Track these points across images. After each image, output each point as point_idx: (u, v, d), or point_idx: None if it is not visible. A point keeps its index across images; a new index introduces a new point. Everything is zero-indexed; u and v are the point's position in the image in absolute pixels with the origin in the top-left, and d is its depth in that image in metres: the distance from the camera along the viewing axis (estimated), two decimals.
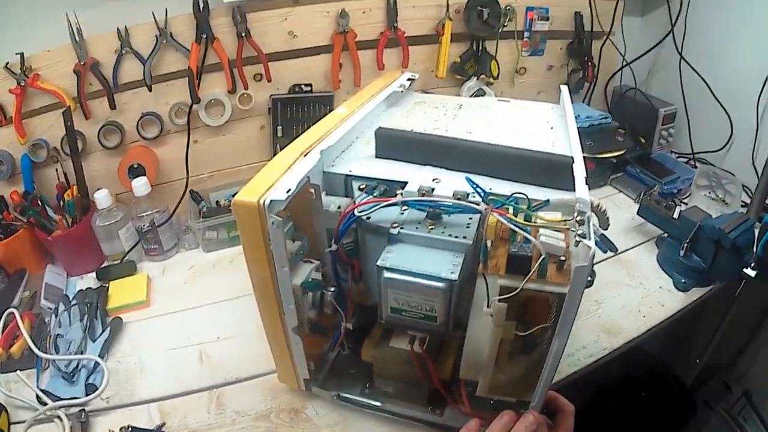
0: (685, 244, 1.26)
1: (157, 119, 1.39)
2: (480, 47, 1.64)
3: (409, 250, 0.70)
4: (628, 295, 1.26)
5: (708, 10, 1.73)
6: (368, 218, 0.72)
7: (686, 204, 1.57)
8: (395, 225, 0.71)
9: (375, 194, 0.77)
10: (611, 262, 1.38)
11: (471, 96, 1.66)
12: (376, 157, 0.87)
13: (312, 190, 0.78)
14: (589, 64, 1.82)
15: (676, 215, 1.32)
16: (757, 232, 1.17)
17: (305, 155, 0.79)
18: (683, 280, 1.29)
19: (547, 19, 1.71)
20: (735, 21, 1.69)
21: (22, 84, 1.23)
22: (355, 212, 0.71)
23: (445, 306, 0.67)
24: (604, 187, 1.72)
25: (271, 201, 0.67)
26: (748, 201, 1.58)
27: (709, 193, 1.54)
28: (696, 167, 1.77)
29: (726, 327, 1.58)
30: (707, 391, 1.84)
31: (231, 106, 1.43)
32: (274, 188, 0.70)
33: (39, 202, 1.29)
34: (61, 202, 1.31)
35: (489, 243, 0.67)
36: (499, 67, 1.69)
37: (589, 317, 1.19)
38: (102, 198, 1.29)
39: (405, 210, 0.74)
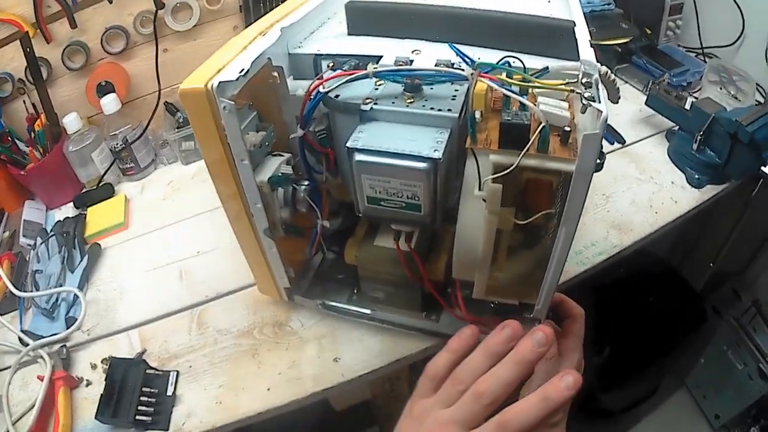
0: (699, 137, 1.17)
1: (122, 32, 1.30)
2: None
3: (384, 129, 0.60)
4: (639, 190, 1.18)
5: None
6: (337, 96, 0.63)
7: (697, 98, 1.47)
8: (368, 101, 0.61)
9: (344, 68, 0.66)
10: (619, 155, 1.30)
11: None
12: (349, 34, 0.77)
13: (275, 74, 0.68)
14: None
15: (687, 106, 1.22)
16: None
17: (264, 35, 0.69)
18: (697, 176, 1.20)
19: None
20: None
21: None
22: (320, 89, 0.61)
23: (430, 191, 0.58)
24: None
25: (219, 83, 0.58)
26: (761, 100, 1.48)
27: (721, 89, 1.45)
28: (706, 62, 1.67)
29: (739, 231, 1.53)
30: (716, 299, 1.80)
31: (199, 7, 1.33)
32: (225, 70, 0.61)
33: (9, 138, 1.22)
34: (32, 134, 1.25)
35: (477, 114, 0.57)
36: None
37: (597, 212, 1.11)
38: (71, 122, 1.22)
39: (380, 84, 0.64)
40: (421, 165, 0.56)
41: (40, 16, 1.20)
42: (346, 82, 0.61)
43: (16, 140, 1.23)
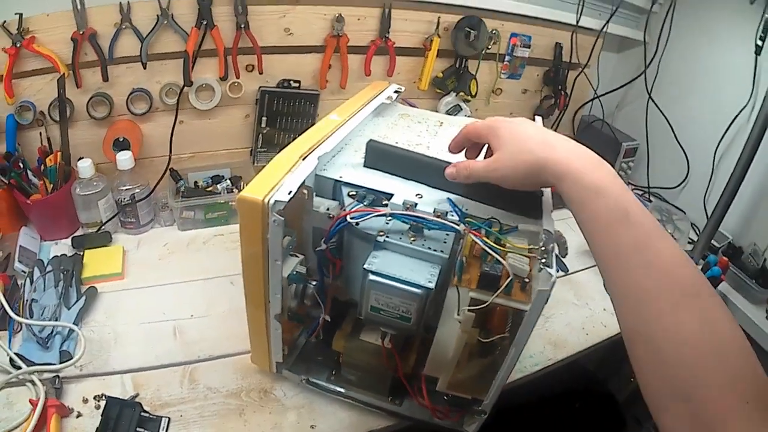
0: None
1: (147, 96, 1.41)
2: (462, 65, 1.72)
3: (392, 257, 0.78)
4: (574, 314, 1.37)
5: (681, 58, 1.86)
6: (357, 224, 0.80)
7: None
8: (381, 233, 0.79)
9: (365, 203, 0.84)
10: (561, 282, 1.47)
11: (448, 110, 1.75)
12: (364, 166, 0.94)
13: (305, 191, 0.85)
14: (562, 92, 1.92)
15: None
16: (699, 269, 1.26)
17: (304, 158, 0.85)
18: None
19: (529, 46, 1.80)
20: (704, 74, 1.82)
21: (18, 45, 1.22)
22: (348, 218, 0.79)
23: (419, 310, 0.76)
24: (563, 210, 1.78)
25: (275, 201, 0.74)
26: (695, 239, 1.69)
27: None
28: (651, 201, 1.89)
29: None
30: (637, 409, 1.92)
31: (221, 92, 1.47)
32: (276, 189, 0.76)
33: (20, 165, 1.30)
34: (42, 167, 1.32)
35: (464, 260, 0.76)
36: (477, 86, 1.77)
37: (537, 330, 1.23)
38: (85, 168, 1.31)
39: (390, 220, 0.81)
40: (418, 291, 0.75)
41: (77, 61, 1.28)
42: (370, 217, 0.79)
43: (27, 169, 1.31)
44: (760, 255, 1.65)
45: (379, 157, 0.92)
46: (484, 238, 0.74)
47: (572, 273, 1.51)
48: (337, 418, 1.00)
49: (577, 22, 1.82)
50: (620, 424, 1.81)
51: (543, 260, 0.72)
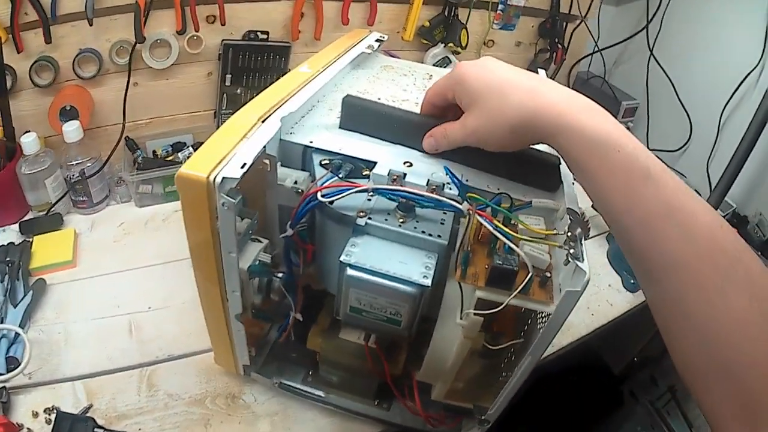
0: None
1: (96, 57, 1.26)
2: (452, 14, 1.58)
3: (376, 245, 0.62)
4: None
5: (686, 13, 1.74)
6: (331, 203, 0.64)
7: None
8: (362, 214, 0.63)
9: (340, 174, 0.68)
10: None
11: (435, 63, 1.62)
12: (340, 127, 0.78)
13: (267, 162, 0.69)
14: (559, 46, 1.79)
15: None
16: None
17: (263, 121, 0.69)
18: (632, 281, 1.29)
19: None
20: (711, 30, 1.71)
21: None
22: (318, 196, 0.63)
23: (412, 312, 0.61)
24: None
25: (223, 178, 0.58)
26: None
27: None
28: None
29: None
30: (634, 383, 1.89)
31: (178, 48, 1.31)
32: (226, 161, 0.61)
33: None
34: None
35: (469, 250, 0.61)
36: (468, 37, 1.64)
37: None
38: (29, 143, 1.17)
39: (372, 197, 0.66)
40: (411, 289, 0.59)
41: (16, 23, 1.14)
42: (347, 194, 0.63)
43: None
44: (766, 225, 1.59)
45: (359, 116, 0.75)
46: (496, 222, 0.59)
47: None
48: (317, 426, 0.88)
49: None
50: (617, 399, 1.82)
51: (571, 251, 0.57)
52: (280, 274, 0.73)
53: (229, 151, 0.62)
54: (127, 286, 1.11)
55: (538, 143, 0.63)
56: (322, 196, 0.63)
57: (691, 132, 1.77)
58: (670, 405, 1.75)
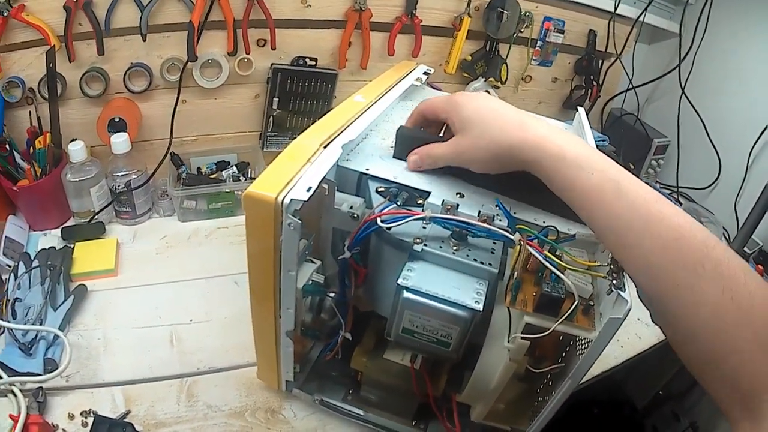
0: None
1: (146, 72, 1.29)
2: (493, 49, 1.61)
3: (431, 271, 0.65)
4: None
5: (717, 53, 1.77)
6: (389, 229, 0.67)
7: None
8: (418, 241, 0.67)
9: (398, 202, 0.71)
10: None
11: None
12: (394, 156, 0.81)
13: (326, 186, 0.71)
14: (594, 83, 1.81)
15: None
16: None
17: (325, 147, 0.73)
18: None
19: (563, 32, 1.69)
20: (742, 69, 1.73)
21: (5, 14, 1.10)
22: (378, 221, 0.66)
23: (462, 335, 0.64)
24: None
25: (291, 200, 0.61)
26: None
27: None
28: (680, 202, 1.79)
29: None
30: (657, 419, 1.88)
31: (228, 69, 1.35)
32: (293, 184, 0.64)
33: (7, 147, 1.19)
34: (31, 149, 1.21)
35: (520, 277, 0.64)
36: (508, 72, 1.67)
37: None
38: (77, 151, 1.19)
39: (427, 224, 0.69)
40: (463, 313, 0.62)
41: (70, 32, 1.17)
42: (406, 221, 0.66)
43: (14, 151, 1.21)
44: None
45: (412, 146, 0.78)
46: (546, 253, 0.62)
47: None
48: None
49: (615, 8, 1.71)
50: None
51: (614, 281, 0.60)
52: (332, 294, 0.76)
53: (294, 175, 0.65)
54: (168, 297, 1.12)
55: (519, 169, 0.66)
56: (382, 221, 0.66)
57: (720, 170, 1.77)
58: None
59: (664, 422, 1.86)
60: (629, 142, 1.82)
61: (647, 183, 0.62)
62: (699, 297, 0.52)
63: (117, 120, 1.26)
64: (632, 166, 1.76)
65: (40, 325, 0.97)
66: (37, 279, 1.07)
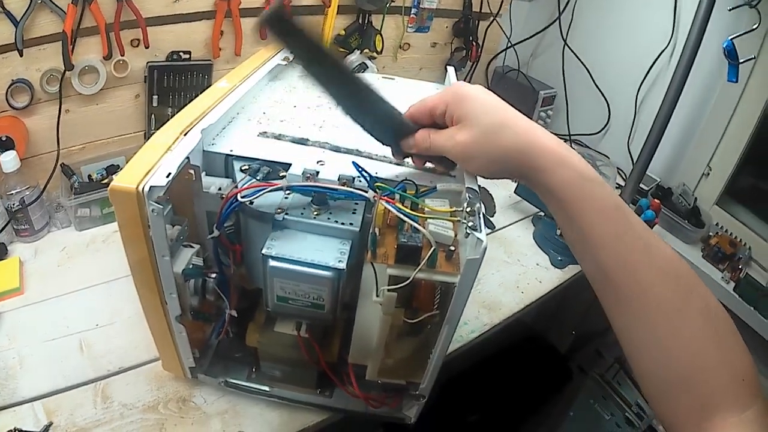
0: None
1: (27, 87, 1.25)
2: (366, 21, 1.63)
3: (294, 237, 0.68)
4: (507, 272, 1.32)
5: (596, 2, 1.84)
6: (251, 203, 0.70)
7: None
8: (279, 210, 0.69)
9: (258, 177, 0.74)
10: (489, 239, 1.37)
11: (353, 69, 1.62)
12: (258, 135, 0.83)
13: (191, 171, 0.74)
14: (474, 43, 1.86)
15: None
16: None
17: (185, 134, 0.75)
18: (559, 258, 1.36)
19: None
20: (620, 15, 1.81)
21: None
22: (238, 197, 0.68)
23: (333, 295, 0.67)
24: None
25: (150, 187, 0.63)
26: (622, 183, 1.70)
27: None
28: (573, 148, 1.86)
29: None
30: (581, 359, 1.97)
31: (106, 73, 1.33)
32: (153, 172, 0.66)
33: None
34: None
35: (377, 231, 0.67)
36: (383, 42, 1.69)
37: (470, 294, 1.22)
38: None
39: (289, 194, 0.72)
40: (328, 273, 0.65)
41: None
42: (264, 193, 0.69)
43: None
44: (690, 195, 1.68)
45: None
46: (398, 204, 0.65)
47: (500, 229, 1.47)
48: (265, 420, 0.92)
49: None
50: (566, 375, 1.85)
51: (470, 224, 0.64)
52: (213, 275, 0.78)
53: (155, 164, 0.68)
54: (74, 307, 1.12)
55: (516, 177, 0.65)
56: (242, 197, 0.68)
57: (609, 114, 1.87)
58: (620, 375, 1.85)
59: (589, 361, 1.95)
60: (516, 97, 1.85)
61: None
62: (685, 322, 0.56)
63: (4, 139, 1.23)
64: None
65: None
66: None
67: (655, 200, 1.53)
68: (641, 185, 1.66)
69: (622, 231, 0.58)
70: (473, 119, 0.63)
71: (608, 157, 1.81)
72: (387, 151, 0.74)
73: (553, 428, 2.06)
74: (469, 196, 0.67)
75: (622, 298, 0.59)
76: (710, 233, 1.63)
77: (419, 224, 0.64)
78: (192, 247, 0.78)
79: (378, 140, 0.72)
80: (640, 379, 0.61)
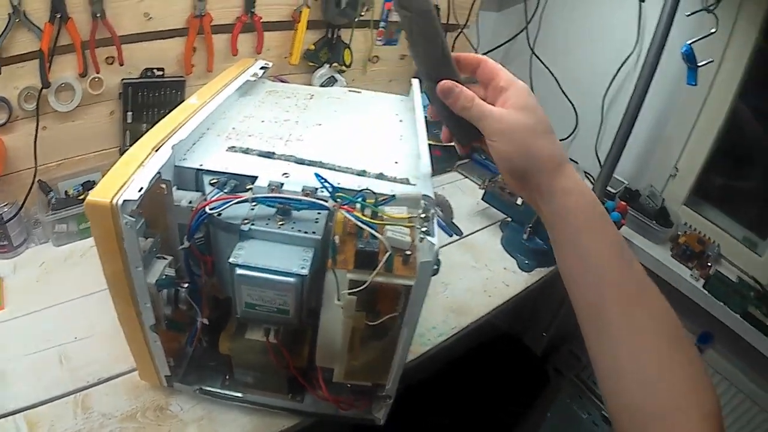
0: (528, 228, 1.38)
1: (5, 104, 1.27)
2: (334, 35, 1.67)
3: (260, 246, 0.72)
4: (474, 277, 1.35)
5: (562, 11, 1.88)
6: (219, 215, 0.74)
7: None
8: (246, 221, 0.73)
9: (226, 190, 0.78)
10: (457, 245, 1.45)
11: (322, 83, 1.70)
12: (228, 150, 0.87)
13: (163, 186, 0.78)
14: None
15: (519, 201, 1.42)
16: None
17: (157, 150, 0.78)
18: (526, 261, 1.40)
19: None
20: (587, 23, 1.85)
21: None
22: (207, 209, 0.72)
23: (297, 300, 0.71)
24: (451, 173, 1.83)
25: (123, 201, 0.67)
26: (590, 187, 1.71)
27: None
28: None
29: (569, 300, 1.71)
30: (557, 361, 2.00)
31: (81, 91, 1.35)
32: (126, 187, 0.70)
33: None
34: None
35: (337, 239, 0.71)
36: (352, 56, 1.73)
37: (437, 298, 1.26)
38: None
39: (255, 205, 0.76)
40: (291, 280, 0.69)
41: None
42: (230, 205, 0.72)
43: None
44: (658, 196, 1.71)
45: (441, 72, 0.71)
46: (357, 213, 0.69)
47: (467, 235, 1.50)
48: (239, 425, 0.95)
49: None
50: (543, 378, 1.86)
51: (424, 229, 0.68)
52: (185, 285, 0.82)
53: (128, 179, 0.72)
54: (53, 321, 1.14)
55: (528, 189, 0.65)
56: (210, 209, 0.72)
57: (577, 120, 1.91)
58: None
59: (565, 363, 1.99)
60: None
61: None
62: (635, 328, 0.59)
63: None
64: None
65: None
66: None
67: (622, 202, 1.57)
68: (609, 188, 1.69)
69: (608, 239, 0.62)
70: (523, 104, 0.64)
71: (577, 162, 1.86)
72: (350, 162, 0.79)
73: (530, 430, 2.08)
74: (424, 203, 0.71)
75: (614, 333, 0.61)
76: (678, 233, 1.67)
77: (377, 231, 0.68)
78: (165, 258, 0.81)
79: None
80: (614, 408, 0.61)
